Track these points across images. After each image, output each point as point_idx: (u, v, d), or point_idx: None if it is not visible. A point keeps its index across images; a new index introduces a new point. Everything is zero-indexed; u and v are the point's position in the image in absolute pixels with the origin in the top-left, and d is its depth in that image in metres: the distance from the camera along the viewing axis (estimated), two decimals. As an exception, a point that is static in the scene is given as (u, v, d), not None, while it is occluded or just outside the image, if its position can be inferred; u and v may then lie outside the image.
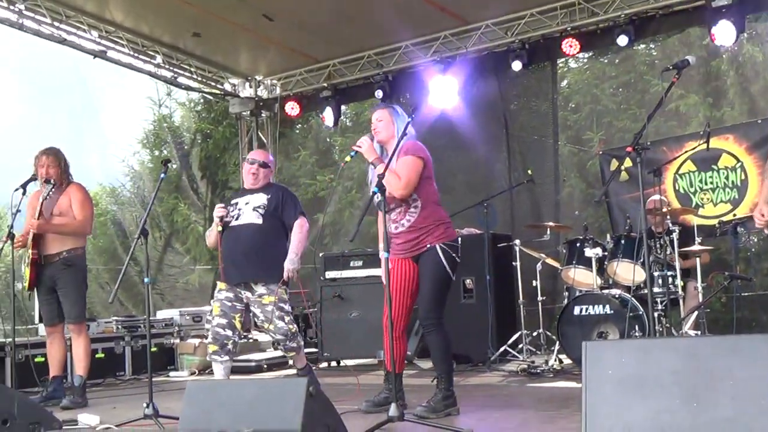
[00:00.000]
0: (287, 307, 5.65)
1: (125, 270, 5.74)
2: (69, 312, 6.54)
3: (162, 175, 5.24)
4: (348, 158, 5.02)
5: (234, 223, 5.74)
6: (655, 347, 2.92)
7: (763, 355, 2.67)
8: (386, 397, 5.06)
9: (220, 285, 5.72)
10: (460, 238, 5.27)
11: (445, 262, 5.00)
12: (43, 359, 7.09)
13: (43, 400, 6.31)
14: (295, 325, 5.76)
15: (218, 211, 5.79)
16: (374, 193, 4.47)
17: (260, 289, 5.60)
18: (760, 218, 4.46)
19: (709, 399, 2.67)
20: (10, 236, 6.34)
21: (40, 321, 7.27)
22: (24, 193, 6.41)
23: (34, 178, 6.41)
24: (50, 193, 6.37)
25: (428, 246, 5.01)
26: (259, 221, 5.71)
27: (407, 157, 4.98)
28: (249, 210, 5.74)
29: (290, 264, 5.63)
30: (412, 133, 5.09)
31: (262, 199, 5.78)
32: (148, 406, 4.92)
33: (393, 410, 4.26)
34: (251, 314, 5.87)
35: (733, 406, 2.62)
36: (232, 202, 5.88)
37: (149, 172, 14.78)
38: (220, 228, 5.72)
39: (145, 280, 5.16)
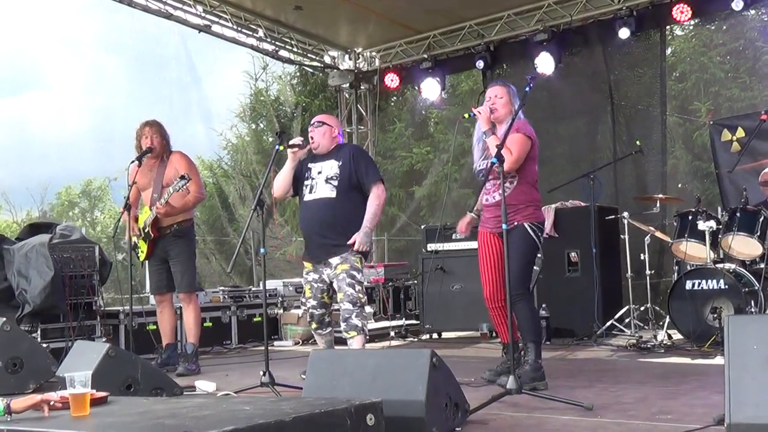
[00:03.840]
0: (359, 277, 5.45)
1: (243, 239, 5.84)
2: (180, 282, 6.70)
3: (276, 147, 5.31)
4: (467, 115, 5.18)
5: (308, 197, 5.60)
6: (802, 322, 2.81)
7: None
8: (508, 367, 4.98)
9: (307, 265, 5.63)
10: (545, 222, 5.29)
11: (534, 239, 5.16)
12: (155, 326, 7.28)
13: (158, 366, 6.49)
14: (366, 298, 5.57)
15: (296, 140, 5.58)
16: (493, 163, 4.57)
17: (336, 260, 5.45)
18: None
19: None
20: (127, 207, 6.52)
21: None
22: (140, 166, 6.56)
23: (149, 150, 6.55)
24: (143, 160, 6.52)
25: (515, 224, 5.07)
26: (333, 194, 5.51)
27: (518, 135, 5.09)
28: (322, 182, 5.55)
29: (364, 237, 5.44)
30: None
31: (334, 168, 5.56)
32: (264, 374, 5.00)
33: (511, 383, 4.22)
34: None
35: None
36: (308, 165, 5.68)
37: (247, 144, 14.99)
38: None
39: (261, 250, 5.28)
